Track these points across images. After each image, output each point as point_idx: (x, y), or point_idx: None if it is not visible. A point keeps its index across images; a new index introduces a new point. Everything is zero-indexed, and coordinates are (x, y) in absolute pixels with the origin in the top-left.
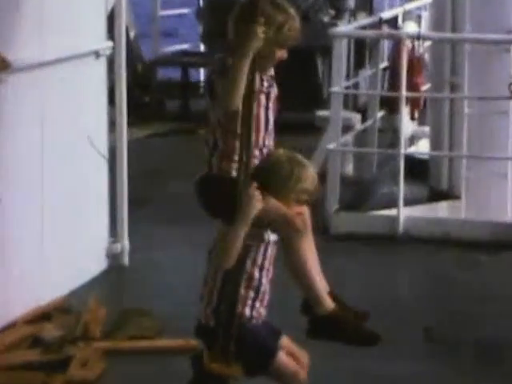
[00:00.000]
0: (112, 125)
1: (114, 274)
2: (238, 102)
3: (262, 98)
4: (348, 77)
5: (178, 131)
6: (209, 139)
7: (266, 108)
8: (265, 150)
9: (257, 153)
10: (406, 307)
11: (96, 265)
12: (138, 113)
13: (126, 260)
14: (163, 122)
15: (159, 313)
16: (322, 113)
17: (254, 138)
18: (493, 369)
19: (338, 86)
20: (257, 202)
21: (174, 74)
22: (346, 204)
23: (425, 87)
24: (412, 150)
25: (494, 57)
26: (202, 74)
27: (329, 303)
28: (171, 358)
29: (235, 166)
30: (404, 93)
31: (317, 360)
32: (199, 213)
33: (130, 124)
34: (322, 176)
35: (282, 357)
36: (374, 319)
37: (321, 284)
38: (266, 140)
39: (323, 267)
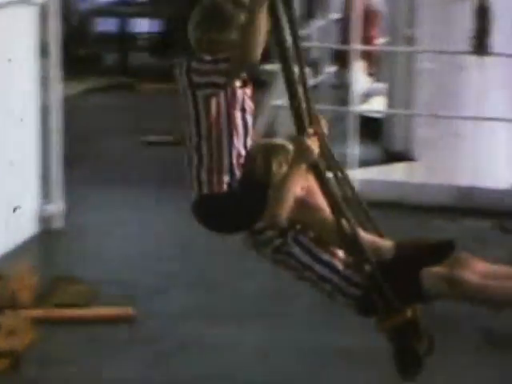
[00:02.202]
0: (45, 80)
1: (46, 237)
2: (258, 54)
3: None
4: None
5: (116, 86)
6: (192, 156)
7: (243, 110)
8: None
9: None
10: None
11: (27, 228)
12: (73, 67)
13: (59, 223)
14: (100, 76)
15: (93, 279)
16: (268, 66)
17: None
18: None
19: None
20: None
21: (112, 25)
22: None
23: (381, 41)
24: (365, 107)
25: (453, 8)
26: (141, 25)
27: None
28: (104, 326)
29: (226, 179)
30: (357, 46)
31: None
32: (137, 174)
33: (64, 79)
34: (270, 135)
35: None
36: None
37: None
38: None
39: None
